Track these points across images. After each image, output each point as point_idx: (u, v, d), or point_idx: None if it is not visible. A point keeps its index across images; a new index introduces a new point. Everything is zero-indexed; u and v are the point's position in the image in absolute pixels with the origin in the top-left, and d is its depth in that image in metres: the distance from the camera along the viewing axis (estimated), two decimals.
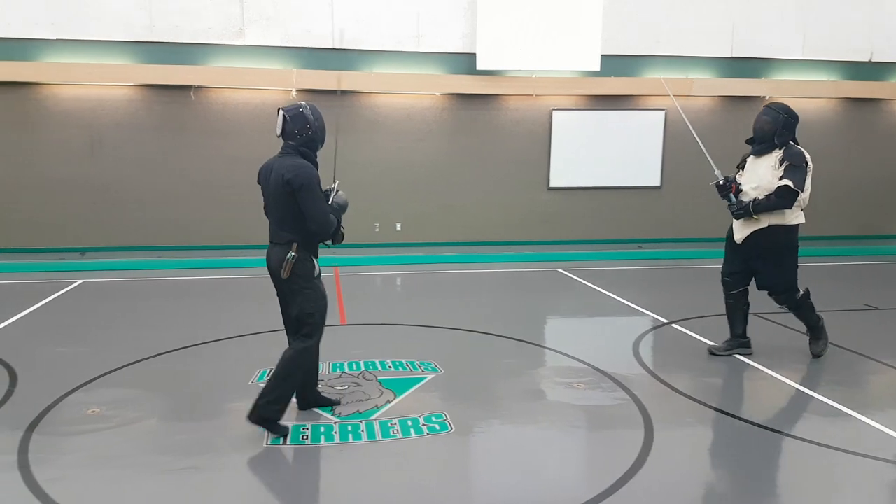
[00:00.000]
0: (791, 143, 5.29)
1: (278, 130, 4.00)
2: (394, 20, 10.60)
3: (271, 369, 5.11)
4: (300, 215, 3.94)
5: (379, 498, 3.40)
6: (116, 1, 9.89)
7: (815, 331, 5.66)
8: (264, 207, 4.26)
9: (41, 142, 9.99)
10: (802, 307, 5.56)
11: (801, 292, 5.51)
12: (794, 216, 5.29)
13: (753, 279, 5.57)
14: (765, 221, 5.27)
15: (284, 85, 10.36)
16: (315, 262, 4.11)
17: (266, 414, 3.98)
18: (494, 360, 5.59)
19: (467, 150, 11.08)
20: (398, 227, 11.18)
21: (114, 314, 6.97)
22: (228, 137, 10.51)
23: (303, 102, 4.08)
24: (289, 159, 3.97)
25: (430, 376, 5.12)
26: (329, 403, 4.46)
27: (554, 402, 4.76)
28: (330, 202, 4.13)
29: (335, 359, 5.42)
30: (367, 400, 4.60)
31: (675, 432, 4.24)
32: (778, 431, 4.21)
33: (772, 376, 5.22)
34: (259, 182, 4.21)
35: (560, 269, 9.72)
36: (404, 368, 5.27)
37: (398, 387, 4.87)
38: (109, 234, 10.28)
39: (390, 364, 5.36)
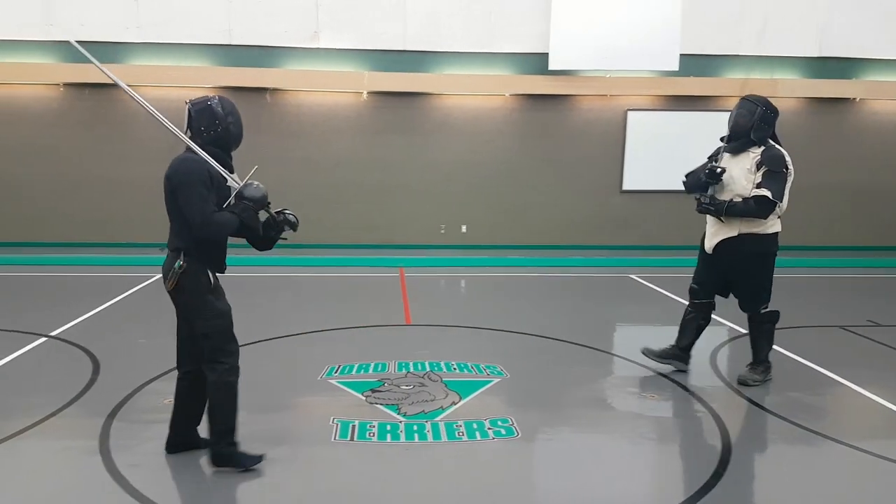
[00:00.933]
0: (770, 142, 4.79)
1: (184, 125, 3.47)
2: (466, 21, 10.61)
3: (339, 365, 5.24)
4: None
5: (444, 499, 3.36)
6: (199, 5, 10.25)
7: (760, 364, 5.08)
8: None
9: (127, 142, 10.45)
10: (762, 330, 5.04)
11: (768, 307, 5.02)
12: (770, 224, 4.81)
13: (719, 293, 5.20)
14: (735, 229, 4.79)
15: (356, 87, 10.52)
16: (210, 275, 3.49)
17: (221, 453, 3.53)
18: (562, 366, 5.47)
19: (537, 152, 10.96)
20: (464, 228, 11.17)
21: None
22: (301, 139, 10.75)
23: (213, 95, 3.53)
24: (180, 155, 3.45)
25: (496, 380, 5.05)
26: (203, 446, 3.73)
27: (625, 412, 4.60)
28: (230, 200, 3.45)
29: (401, 358, 5.43)
30: (432, 400, 4.57)
31: (754, 449, 4.04)
32: (868, 452, 3.95)
33: (861, 393, 4.91)
34: None
35: (632, 276, 9.47)
36: (470, 371, 5.22)
37: (463, 389, 4.82)
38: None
39: (455, 366, 5.31)
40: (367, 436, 4.04)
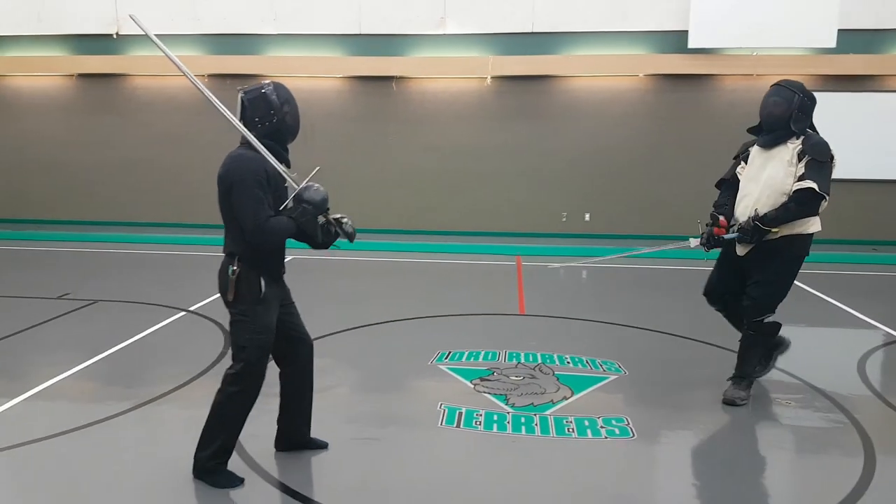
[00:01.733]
0: (810, 131, 4.16)
1: (238, 117, 3.19)
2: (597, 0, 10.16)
3: (450, 352, 5.19)
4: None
5: (549, 495, 3.20)
6: None
7: (745, 378, 4.35)
8: None
9: None
10: (758, 340, 4.32)
11: (771, 318, 4.29)
12: (811, 224, 4.18)
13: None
14: (778, 232, 4.11)
15: (480, 73, 10.42)
16: (261, 283, 3.19)
17: (205, 466, 3.27)
18: (687, 366, 5.09)
19: (673, 136, 10.35)
20: (587, 217, 10.78)
21: (316, 289, 7.42)
22: (424, 126, 10.81)
23: (268, 82, 3.23)
24: (235, 151, 3.20)
25: (613, 377, 4.78)
26: (318, 447, 3.64)
27: (756, 418, 4.21)
28: (288, 203, 3.16)
29: (511, 348, 5.29)
30: (542, 394, 4.40)
31: None
32: None
33: None
34: None
35: None
36: (584, 366, 4.98)
37: (576, 384, 4.60)
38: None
39: (569, 360, 5.09)
40: (474, 424, 3.96)
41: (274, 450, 3.61)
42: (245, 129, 3.11)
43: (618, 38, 10.24)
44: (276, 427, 3.58)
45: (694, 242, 4.38)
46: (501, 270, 8.62)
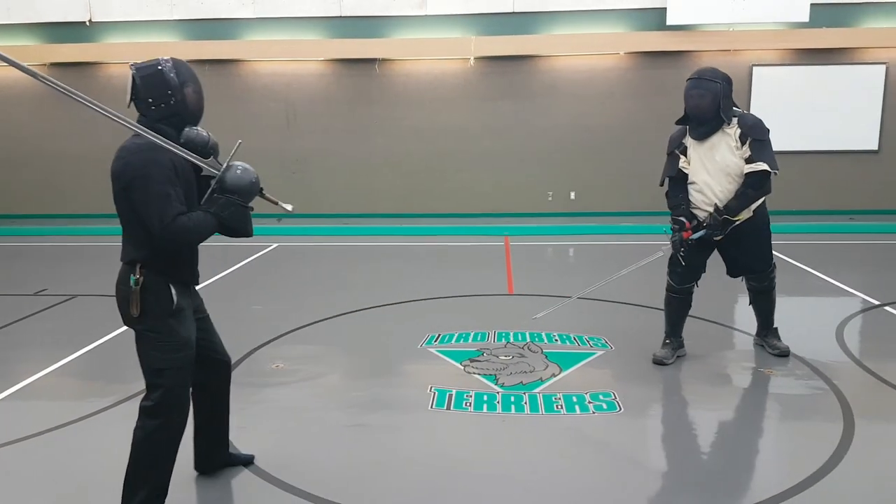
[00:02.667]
0: (737, 110, 4.33)
1: (127, 99, 2.71)
2: None
3: (439, 334, 5.25)
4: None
5: (539, 472, 3.28)
6: None
7: (771, 328, 4.80)
8: None
9: (243, 115, 10.88)
10: (770, 290, 4.67)
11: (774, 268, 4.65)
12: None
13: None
14: (743, 213, 4.35)
15: (462, 54, 10.40)
16: (172, 291, 2.71)
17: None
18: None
19: (654, 113, 10.41)
20: (572, 195, 10.87)
21: (304, 276, 7.46)
22: (408, 108, 10.79)
23: (165, 58, 2.72)
24: (130, 140, 2.68)
25: (600, 352, 4.89)
26: (242, 463, 3.35)
27: (739, 387, 4.35)
28: (206, 197, 2.71)
29: (500, 328, 5.37)
30: (531, 372, 4.49)
31: (881, 429, 3.70)
32: None
33: None
34: None
35: None
36: (572, 342, 5.08)
37: (564, 361, 4.69)
38: (303, 201, 11.02)
39: (557, 337, 5.19)
40: (464, 405, 4.03)
41: (262, 439, 3.63)
42: (123, 119, 2.58)
43: (598, 16, 10.27)
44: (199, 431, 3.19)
45: (666, 250, 4.53)
46: (489, 251, 8.69)
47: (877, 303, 6.01)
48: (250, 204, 2.78)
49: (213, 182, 2.69)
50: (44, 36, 10.93)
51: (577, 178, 10.83)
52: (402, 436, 3.70)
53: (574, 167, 10.75)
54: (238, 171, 2.71)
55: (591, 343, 5.06)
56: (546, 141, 10.68)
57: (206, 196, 2.71)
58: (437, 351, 4.95)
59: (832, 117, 10.31)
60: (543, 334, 5.23)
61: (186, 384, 2.82)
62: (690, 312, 4.78)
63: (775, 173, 4.24)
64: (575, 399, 4.07)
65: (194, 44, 10.56)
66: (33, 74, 2.41)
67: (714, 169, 4.30)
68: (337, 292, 6.63)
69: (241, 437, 3.60)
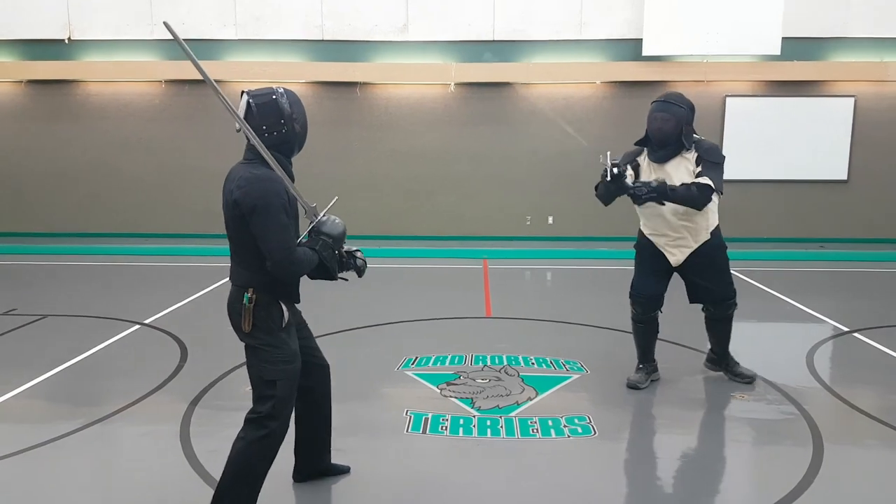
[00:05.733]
0: (696, 136, 4.35)
1: (238, 125, 2.75)
2: (557, 9, 10.40)
3: (416, 357, 5.24)
4: (258, 248, 2.74)
5: (515, 496, 3.28)
6: (293, 2, 10.53)
7: (729, 356, 4.78)
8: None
9: (222, 135, 10.85)
10: (730, 319, 4.66)
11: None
12: (714, 217, 4.44)
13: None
14: (702, 233, 4.38)
15: (443, 79, 10.52)
16: (284, 309, 2.90)
17: None
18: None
19: (630, 140, 10.33)
20: (550, 220, 10.98)
21: None
22: (389, 131, 10.87)
23: (277, 87, 2.85)
24: (247, 169, 2.76)
25: (576, 376, 4.91)
26: (341, 472, 3.48)
27: (711, 412, 4.39)
28: (307, 234, 2.90)
29: (478, 351, 5.38)
30: (507, 395, 4.49)
31: (850, 455, 3.75)
32: None
33: None
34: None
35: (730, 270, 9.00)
36: (548, 366, 5.10)
37: (541, 384, 4.71)
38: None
39: (534, 360, 5.21)
40: (440, 429, 4.01)
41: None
42: (265, 148, 2.70)
43: (576, 46, 10.47)
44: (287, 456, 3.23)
45: (607, 163, 4.20)
46: (468, 274, 8.72)
47: (846, 329, 6.11)
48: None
49: (311, 225, 2.91)
50: (22, 53, 10.87)
51: (554, 203, 10.94)
52: (378, 460, 3.67)
53: (552, 192, 10.87)
54: (335, 220, 2.94)
55: (567, 367, 5.09)
56: (525, 166, 10.81)
57: (305, 236, 2.90)
58: (414, 374, 4.94)
59: (803, 147, 10.57)
60: (520, 357, 5.25)
61: (294, 396, 2.94)
62: (664, 337, 4.84)
63: (719, 193, 4.22)
64: (551, 423, 4.08)
65: (174, 63, 10.58)
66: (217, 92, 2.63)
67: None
68: (313, 314, 6.52)
69: (212, 462, 3.56)
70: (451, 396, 4.50)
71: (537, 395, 4.53)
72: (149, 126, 10.99)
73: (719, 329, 4.68)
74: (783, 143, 10.58)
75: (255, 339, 2.85)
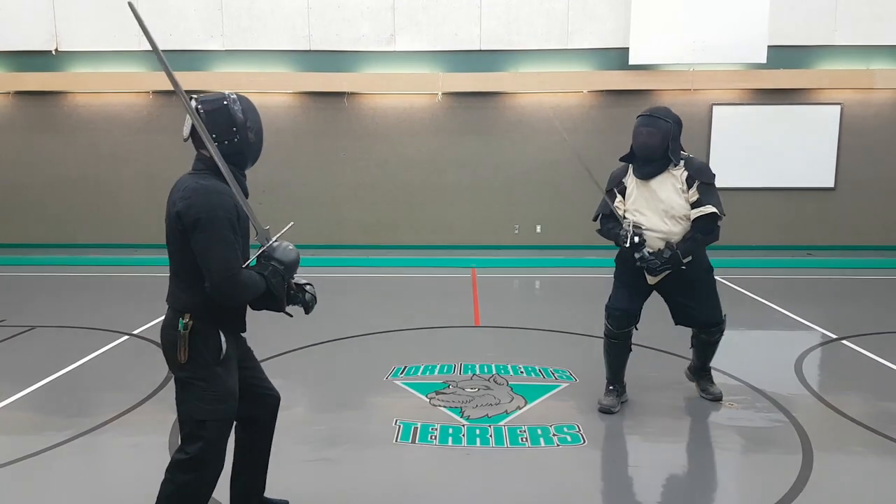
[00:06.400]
0: (683, 153, 4.21)
1: (185, 132, 2.57)
2: (542, 19, 10.46)
3: (405, 366, 5.22)
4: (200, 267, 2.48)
5: None
6: (280, 13, 10.54)
7: (708, 371, 4.64)
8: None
9: None
10: (718, 342, 4.47)
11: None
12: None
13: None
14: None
15: (431, 89, 10.54)
16: (223, 340, 2.60)
17: None
18: (637, 371, 5.21)
19: (616, 149, 10.45)
20: (538, 229, 11.00)
21: None
22: (377, 141, 10.87)
23: (230, 93, 2.60)
24: (194, 179, 2.54)
25: (564, 385, 4.90)
26: None
27: (701, 420, 4.38)
28: (255, 259, 2.60)
29: (467, 360, 5.36)
30: (496, 404, 4.48)
31: (839, 462, 3.75)
32: None
33: None
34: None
35: (717, 277, 9.02)
36: (537, 375, 5.09)
37: (529, 393, 4.70)
38: (270, 231, 10.97)
39: (522, 369, 5.20)
40: (429, 438, 3.99)
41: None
42: (220, 157, 2.46)
43: (562, 55, 10.53)
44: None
45: (629, 232, 4.17)
46: (456, 283, 8.71)
47: (835, 336, 6.14)
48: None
49: (261, 249, 2.61)
50: (9, 64, 10.82)
51: (542, 212, 10.96)
52: (367, 470, 3.64)
53: (540, 201, 10.90)
54: (288, 247, 2.65)
55: (555, 375, 5.08)
56: (512, 175, 10.83)
57: (253, 261, 2.60)
58: (403, 383, 4.92)
59: (790, 155, 10.65)
60: (509, 366, 5.24)
61: (226, 438, 2.65)
62: (652, 345, 4.83)
63: (722, 216, 4.12)
64: (540, 432, 4.07)
65: (162, 75, 10.50)
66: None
67: (658, 209, 4.14)
68: (301, 324, 6.51)
69: None
70: (440, 406, 4.48)
71: (526, 403, 4.51)
72: (136, 137, 10.95)
73: (703, 350, 4.53)
74: (770, 152, 10.66)
75: (187, 371, 2.55)
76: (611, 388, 4.47)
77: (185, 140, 2.58)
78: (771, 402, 4.56)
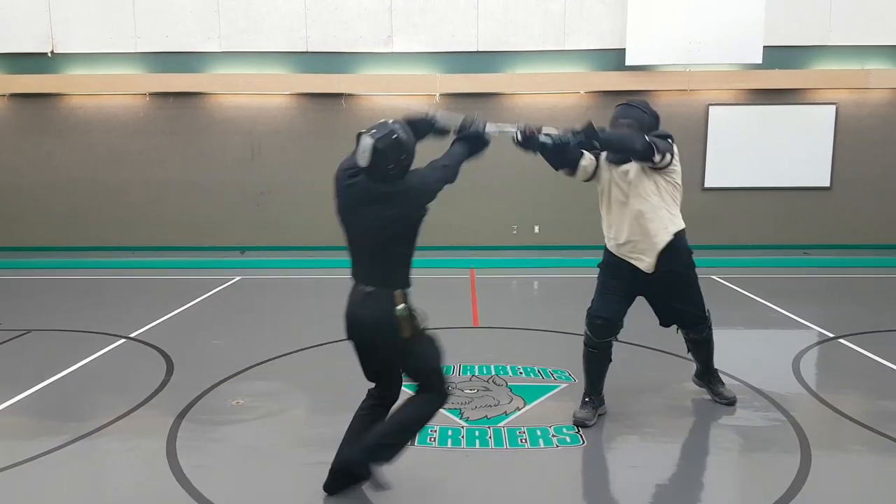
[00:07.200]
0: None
1: (363, 162, 2.96)
2: (539, 20, 10.48)
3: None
4: (410, 250, 3.11)
5: None
6: (277, 15, 10.53)
7: (714, 373, 4.52)
8: (345, 230, 3.30)
9: (208, 148, 10.85)
10: (709, 339, 4.37)
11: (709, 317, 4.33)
12: (678, 219, 4.09)
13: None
14: (661, 235, 3.99)
15: (428, 90, 10.54)
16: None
17: (371, 461, 3.20)
18: (635, 371, 5.25)
19: None
20: (536, 229, 11.02)
21: (267, 309, 7.37)
22: None
23: (391, 123, 3.03)
24: (412, 174, 3.13)
25: (564, 385, 4.91)
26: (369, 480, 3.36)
27: (699, 420, 4.39)
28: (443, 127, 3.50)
29: (466, 361, 5.36)
30: (495, 405, 4.48)
31: (837, 461, 3.76)
32: None
33: None
34: (339, 194, 3.19)
35: (714, 277, 9.06)
36: (536, 375, 5.10)
37: (529, 394, 4.70)
38: (267, 233, 10.96)
39: (521, 370, 5.20)
40: (428, 440, 3.99)
41: (219, 478, 3.55)
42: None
43: (559, 56, 10.55)
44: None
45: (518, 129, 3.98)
46: (455, 284, 8.71)
47: (832, 335, 6.16)
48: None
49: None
50: (4, 67, 10.80)
51: (541, 213, 10.97)
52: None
53: (538, 202, 10.91)
54: (441, 115, 3.55)
55: (554, 376, 5.08)
56: (511, 175, 10.84)
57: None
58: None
59: (786, 155, 10.68)
60: (508, 367, 5.24)
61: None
62: (651, 345, 4.83)
63: (659, 153, 3.83)
64: (539, 433, 4.07)
65: (158, 76, 10.55)
66: None
67: (627, 190, 4.04)
68: (300, 326, 6.56)
69: (198, 476, 3.53)
70: None
71: (525, 404, 4.52)
72: (133, 139, 10.94)
73: (697, 350, 4.46)
74: (766, 151, 10.68)
75: (412, 340, 3.08)
76: (587, 399, 4.28)
77: (367, 173, 3.02)
78: (769, 401, 4.57)
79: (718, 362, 4.93)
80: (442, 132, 3.55)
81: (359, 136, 2.98)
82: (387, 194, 3.02)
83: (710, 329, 4.40)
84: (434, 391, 3.25)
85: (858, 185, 10.70)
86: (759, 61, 10.07)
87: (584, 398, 4.32)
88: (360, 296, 3.17)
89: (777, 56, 10.27)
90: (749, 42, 9.99)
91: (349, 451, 3.26)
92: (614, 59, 10.41)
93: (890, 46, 10.37)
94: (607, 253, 4.29)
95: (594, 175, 4.27)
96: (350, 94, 10.73)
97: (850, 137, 10.58)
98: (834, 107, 10.56)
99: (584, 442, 3.97)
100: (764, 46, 10.01)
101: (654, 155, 3.85)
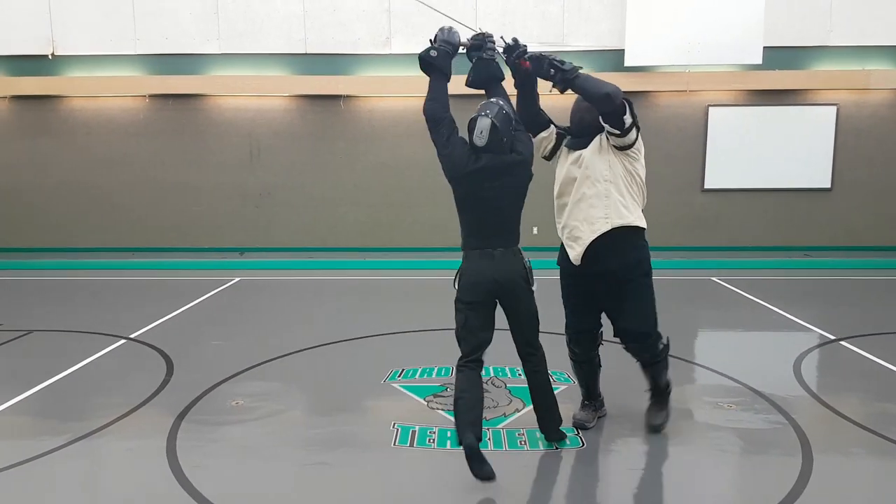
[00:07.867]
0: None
1: (482, 142, 3.44)
2: (538, 21, 10.47)
3: (402, 369, 5.21)
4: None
5: None
6: (276, 17, 10.53)
7: (662, 397, 4.11)
8: (470, 207, 3.67)
9: (205, 149, 10.84)
10: (660, 361, 4.00)
11: (664, 340, 4.00)
12: (638, 216, 3.82)
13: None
14: (600, 224, 3.74)
15: (425, 92, 10.51)
16: None
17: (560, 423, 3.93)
18: (635, 373, 5.19)
19: None
20: (535, 230, 10.97)
21: (266, 311, 7.36)
22: (373, 143, 10.87)
23: (495, 100, 3.59)
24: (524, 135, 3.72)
25: (563, 387, 4.90)
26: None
27: (699, 422, 4.37)
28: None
29: None
30: (494, 407, 4.47)
31: (839, 464, 3.75)
32: None
33: None
34: (460, 178, 3.67)
35: (714, 278, 9.06)
36: None
37: (528, 396, 4.63)
38: (265, 235, 10.95)
39: (520, 371, 5.16)
40: (427, 442, 3.98)
41: (218, 478, 3.54)
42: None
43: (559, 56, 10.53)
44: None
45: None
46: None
47: (833, 337, 6.15)
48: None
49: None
50: (5, 69, 10.80)
51: (539, 213, 10.90)
52: (365, 473, 3.63)
53: (536, 202, 10.81)
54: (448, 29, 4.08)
55: (554, 377, 5.04)
56: None
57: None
58: (401, 386, 4.91)
59: (786, 156, 10.67)
60: (507, 368, 5.23)
61: None
62: None
63: (626, 103, 3.70)
64: (538, 435, 4.05)
65: (158, 78, 10.55)
66: None
67: (576, 173, 3.90)
68: (299, 327, 6.56)
69: (198, 476, 3.52)
70: (438, 409, 4.47)
71: (525, 406, 4.50)
72: (133, 141, 10.93)
73: (650, 373, 4.04)
74: (766, 152, 10.67)
75: (529, 290, 3.67)
76: (586, 403, 4.30)
77: (483, 150, 3.50)
78: (770, 403, 4.55)
79: (719, 363, 4.92)
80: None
81: (472, 120, 3.47)
82: (511, 164, 3.53)
83: (658, 355, 3.97)
84: (539, 343, 3.88)
85: (859, 187, 10.68)
86: (759, 62, 10.06)
87: (582, 402, 4.35)
88: (497, 257, 3.61)
89: (777, 57, 10.26)
90: (749, 42, 9.97)
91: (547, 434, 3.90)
92: (613, 59, 10.39)
93: (890, 47, 10.36)
94: (562, 258, 4.11)
95: (552, 155, 4.14)
96: (349, 96, 10.73)
97: (851, 138, 10.57)
98: (834, 108, 10.56)
99: (583, 444, 3.96)
100: (764, 47, 9.99)
101: (625, 113, 3.66)
